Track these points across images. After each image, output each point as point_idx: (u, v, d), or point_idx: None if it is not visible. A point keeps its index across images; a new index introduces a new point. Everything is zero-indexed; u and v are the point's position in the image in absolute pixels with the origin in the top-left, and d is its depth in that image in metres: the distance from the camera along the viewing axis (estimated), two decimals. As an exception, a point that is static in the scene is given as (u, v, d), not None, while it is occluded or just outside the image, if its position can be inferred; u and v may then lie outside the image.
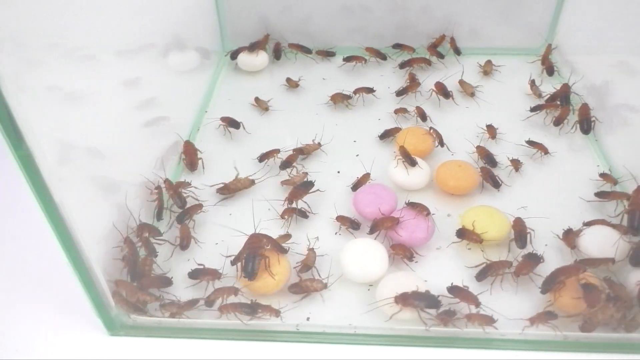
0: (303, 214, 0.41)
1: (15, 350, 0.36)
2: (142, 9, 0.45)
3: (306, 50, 0.61)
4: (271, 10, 0.61)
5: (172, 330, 0.36)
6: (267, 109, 0.53)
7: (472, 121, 0.51)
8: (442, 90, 0.53)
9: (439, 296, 0.34)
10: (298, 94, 0.57)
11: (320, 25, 0.62)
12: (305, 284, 0.36)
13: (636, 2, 0.45)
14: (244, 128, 0.51)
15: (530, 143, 0.47)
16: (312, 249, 0.39)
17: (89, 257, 0.32)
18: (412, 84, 0.54)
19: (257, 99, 0.54)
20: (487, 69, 0.57)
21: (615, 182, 0.44)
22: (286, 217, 0.41)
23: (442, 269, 0.38)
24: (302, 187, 0.42)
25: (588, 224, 0.39)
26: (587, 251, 0.37)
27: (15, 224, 0.44)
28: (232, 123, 0.51)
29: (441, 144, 0.47)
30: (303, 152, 0.47)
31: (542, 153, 0.47)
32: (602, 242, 0.37)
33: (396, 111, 0.52)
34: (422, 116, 0.51)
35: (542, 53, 0.58)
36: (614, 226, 0.38)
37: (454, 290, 0.35)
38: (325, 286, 0.36)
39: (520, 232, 0.39)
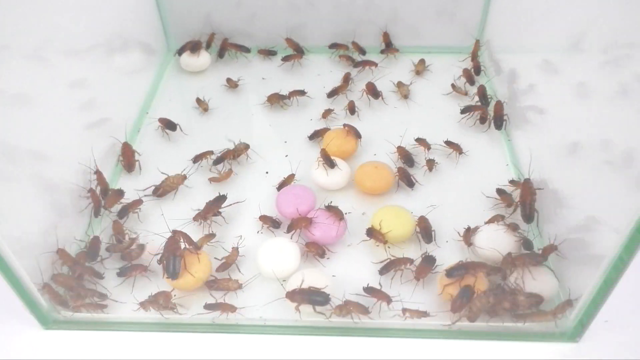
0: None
1: None
2: (84, 8, 0.47)
3: (245, 50, 0.63)
4: (216, 7, 0.62)
5: (100, 324, 0.39)
6: (206, 110, 0.56)
7: (399, 121, 0.55)
8: (372, 91, 0.56)
9: (322, 288, 0.38)
10: (238, 93, 0.59)
11: (266, 22, 0.63)
12: (222, 283, 0.40)
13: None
14: (180, 129, 0.53)
15: (447, 143, 0.51)
16: (236, 247, 0.42)
17: (16, 256, 0.35)
18: (342, 85, 0.57)
19: (197, 100, 0.57)
20: (420, 69, 0.60)
21: (460, 151, 0.49)
22: (199, 220, 0.44)
23: (351, 264, 0.42)
24: (214, 202, 0.45)
25: (488, 222, 0.43)
26: (480, 249, 0.41)
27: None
28: (169, 125, 0.53)
29: (358, 136, 0.50)
30: (233, 154, 0.50)
31: (458, 153, 0.50)
32: (494, 240, 0.41)
33: (324, 115, 0.54)
34: (352, 110, 0.54)
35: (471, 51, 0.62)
36: (507, 224, 0.42)
37: (368, 289, 0.39)
38: (240, 286, 0.40)
39: (424, 229, 0.42)
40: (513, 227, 0.41)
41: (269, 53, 0.63)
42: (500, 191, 0.46)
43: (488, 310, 0.37)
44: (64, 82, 0.45)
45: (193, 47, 0.61)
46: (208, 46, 0.63)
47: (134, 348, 0.38)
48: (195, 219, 0.44)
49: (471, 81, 0.58)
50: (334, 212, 0.42)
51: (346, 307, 0.37)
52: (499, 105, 0.53)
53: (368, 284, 0.39)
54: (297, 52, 0.62)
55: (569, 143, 0.44)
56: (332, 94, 0.57)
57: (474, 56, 0.60)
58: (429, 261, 0.40)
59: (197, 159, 0.50)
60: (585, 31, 0.42)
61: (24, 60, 0.39)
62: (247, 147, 0.50)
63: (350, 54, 0.62)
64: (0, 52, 0.36)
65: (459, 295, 0.37)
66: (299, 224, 0.42)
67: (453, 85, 0.57)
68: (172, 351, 0.38)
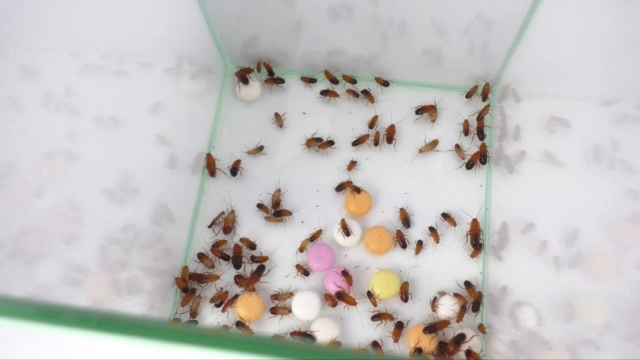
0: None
1: None
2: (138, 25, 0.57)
3: (279, 82, 0.72)
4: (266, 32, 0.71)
5: None
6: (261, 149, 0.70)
7: (406, 173, 0.69)
8: (390, 136, 0.69)
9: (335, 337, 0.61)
10: (283, 130, 0.72)
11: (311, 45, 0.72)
12: (279, 310, 0.63)
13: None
14: (240, 174, 0.70)
15: (443, 215, 0.66)
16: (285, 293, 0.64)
17: None
18: (364, 136, 0.69)
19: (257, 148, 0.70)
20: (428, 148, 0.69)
21: (454, 224, 0.65)
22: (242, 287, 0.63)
23: (355, 311, 0.63)
24: (255, 274, 0.63)
25: (440, 293, 0.63)
26: (441, 315, 0.61)
27: None
28: (232, 171, 0.69)
29: (357, 191, 0.66)
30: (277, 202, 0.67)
31: (453, 225, 0.65)
32: (449, 308, 0.61)
33: (348, 167, 0.68)
34: (389, 139, 0.69)
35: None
36: (456, 296, 0.62)
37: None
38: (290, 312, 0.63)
39: (404, 293, 0.62)
40: (463, 300, 0.61)
41: (309, 81, 0.73)
42: (444, 215, 0.65)
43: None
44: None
45: (242, 78, 0.72)
46: (259, 70, 0.73)
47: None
48: (239, 284, 0.63)
49: (480, 135, 0.69)
50: (347, 278, 0.62)
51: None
52: (484, 146, 0.68)
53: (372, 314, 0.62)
54: (333, 82, 0.72)
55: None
56: (357, 143, 0.70)
57: (480, 116, 0.69)
58: (399, 326, 0.61)
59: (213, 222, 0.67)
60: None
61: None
62: (279, 192, 0.67)
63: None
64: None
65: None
66: (343, 297, 0.62)
67: (457, 147, 0.69)
68: None
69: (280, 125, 0.71)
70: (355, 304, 0.62)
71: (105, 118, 0.53)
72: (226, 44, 0.72)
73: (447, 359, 0.59)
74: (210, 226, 0.66)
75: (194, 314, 0.63)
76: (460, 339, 0.59)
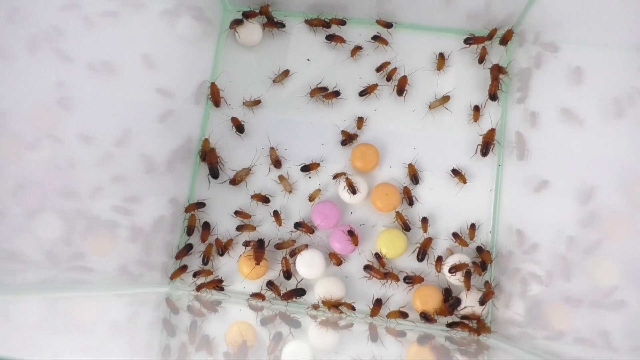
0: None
1: None
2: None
3: (280, 26, 0.67)
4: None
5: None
6: (258, 103, 0.66)
7: (415, 126, 0.65)
8: (402, 87, 0.65)
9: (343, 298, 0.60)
10: (285, 80, 0.67)
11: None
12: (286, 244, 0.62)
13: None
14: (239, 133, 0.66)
15: (454, 172, 0.63)
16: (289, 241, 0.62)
17: None
18: (372, 86, 0.65)
19: (247, 103, 0.66)
20: (440, 65, 0.65)
21: (465, 181, 0.63)
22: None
23: (359, 267, 0.62)
24: (259, 248, 0.61)
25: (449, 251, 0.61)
26: (445, 274, 0.60)
27: None
28: (239, 128, 0.65)
29: (353, 192, 0.62)
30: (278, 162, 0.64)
31: (462, 182, 0.63)
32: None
33: (358, 125, 0.64)
34: (400, 91, 0.65)
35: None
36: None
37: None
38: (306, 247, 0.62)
39: (423, 249, 0.61)
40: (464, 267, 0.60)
41: (321, 23, 0.67)
42: (454, 171, 0.63)
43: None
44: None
45: (239, 22, 0.67)
46: (261, 14, 0.67)
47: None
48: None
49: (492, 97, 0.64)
50: (353, 238, 0.61)
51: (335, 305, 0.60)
52: (491, 132, 0.63)
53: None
54: (341, 24, 0.67)
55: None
56: (364, 93, 0.65)
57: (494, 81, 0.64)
58: (377, 303, 0.60)
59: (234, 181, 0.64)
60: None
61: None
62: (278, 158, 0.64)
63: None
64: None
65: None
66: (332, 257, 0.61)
67: (476, 108, 0.64)
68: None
69: (281, 80, 0.67)
70: (398, 279, 0.60)
71: (97, 64, 0.49)
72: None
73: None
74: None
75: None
76: (455, 304, 0.59)
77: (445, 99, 0.65)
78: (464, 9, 0.64)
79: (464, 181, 0.63)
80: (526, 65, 0.64)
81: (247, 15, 0.67)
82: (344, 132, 0.64)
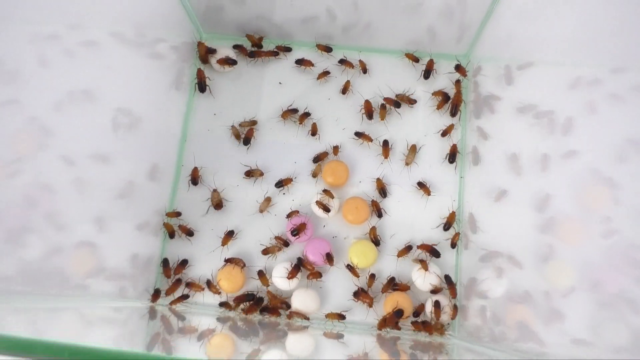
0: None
1: None
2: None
3: (232, 62, 0.70)
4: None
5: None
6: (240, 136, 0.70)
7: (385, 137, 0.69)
8: (369, 110, 0.69)
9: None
10: (259, 101, 0.71)
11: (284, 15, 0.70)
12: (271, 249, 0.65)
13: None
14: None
15: (419, 184, 0.67)
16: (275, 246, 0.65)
17: None
18: (366, 136, 0.68)
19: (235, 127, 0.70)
20: (409, 159, 0.68)
21: (429, 193, 0.67)
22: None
23: (332, 278, 0.65)
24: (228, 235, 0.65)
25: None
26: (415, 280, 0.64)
27: None
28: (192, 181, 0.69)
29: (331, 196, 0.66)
30: (254, 174, 0.68)
31: (427, 195, 0.67)
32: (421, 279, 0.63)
33: (334, 151, 0.68)
34: (369, 115, 0.69)
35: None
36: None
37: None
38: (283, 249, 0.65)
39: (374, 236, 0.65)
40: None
41: (285, 50, 0.72)
42: (420, 184, 0.67)
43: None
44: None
45: (212, 50, 0.71)
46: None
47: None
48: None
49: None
50: (328, 258, 0.64)
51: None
52: (454, 147, 0.68)
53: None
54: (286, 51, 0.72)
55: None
56: (317, 160, 0.68)
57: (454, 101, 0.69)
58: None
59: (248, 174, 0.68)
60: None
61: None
62: (262, 173, 0.68)
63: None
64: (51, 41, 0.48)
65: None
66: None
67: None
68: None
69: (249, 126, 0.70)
70: (371, 305, 0.63)
71: (77, 92, 0.53)
72: (199, 15, 0.71)
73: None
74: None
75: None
76: (399, 314, 0.62)
77: (414, 148, 0.69)
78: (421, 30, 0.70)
79: (429, 193, 0.67)
80: (481, 88, 0.69)
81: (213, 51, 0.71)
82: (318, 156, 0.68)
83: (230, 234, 0.66)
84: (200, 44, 0.71)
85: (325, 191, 0.66)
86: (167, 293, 0.64)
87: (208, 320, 0.61)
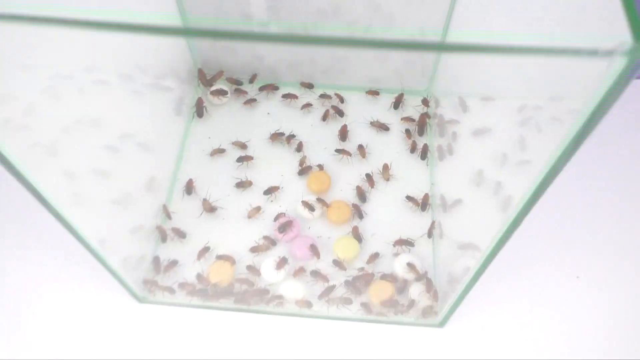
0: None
1: (67, 309, 0.67)
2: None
3: (223, 93, 0.82)
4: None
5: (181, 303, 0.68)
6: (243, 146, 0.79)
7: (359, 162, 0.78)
8: (343, 135, 0.79)
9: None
10: (253, 129, 0.81)
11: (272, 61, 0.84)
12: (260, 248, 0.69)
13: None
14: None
15: (408, 198, 0.74)
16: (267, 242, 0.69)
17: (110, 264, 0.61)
18: (306, 168, 0.77)
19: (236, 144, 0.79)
20: (386, 175, 0.81)
21: (417, 203, 0.73)
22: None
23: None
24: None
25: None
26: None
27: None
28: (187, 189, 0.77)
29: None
30: (244, 185, 0.75)
31: (416, 205, 0.73)
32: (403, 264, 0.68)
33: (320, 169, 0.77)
34: (343, 137, 0.79)
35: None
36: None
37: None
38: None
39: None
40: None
41: (273, 88, 0.84)
42: (409, 197, 0.74)
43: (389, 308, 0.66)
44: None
45: (215, 92, 0.82)
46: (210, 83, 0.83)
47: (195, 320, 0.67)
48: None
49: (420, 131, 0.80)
50: (314, 251, 0.69)
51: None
52: (425, 145, 0.78)
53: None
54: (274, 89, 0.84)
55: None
56: (302, 173, 0.77)
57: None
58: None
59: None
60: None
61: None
62: (251, 183, 0.75)
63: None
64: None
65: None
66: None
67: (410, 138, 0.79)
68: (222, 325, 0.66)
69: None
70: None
71: (85, 120, 0.59)
72: (200, 60, 0.83)
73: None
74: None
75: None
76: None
77: (386, 166, 0.77)
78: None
79: (418, 204, 0.73)
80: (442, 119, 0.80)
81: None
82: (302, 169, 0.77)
83: (205, 250, 0.69)
84: (200, 70, 0.82)
85: (318, 199, 0.73)
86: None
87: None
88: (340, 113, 0.81)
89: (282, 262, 0.67)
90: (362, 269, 0.68)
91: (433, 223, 0.72)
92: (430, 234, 0.71)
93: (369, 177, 0.76)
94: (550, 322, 0.68)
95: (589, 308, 0.69)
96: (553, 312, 0.69)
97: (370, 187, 0.75)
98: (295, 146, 0.79)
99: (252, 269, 0.68)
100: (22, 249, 0.72)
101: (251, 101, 0.82)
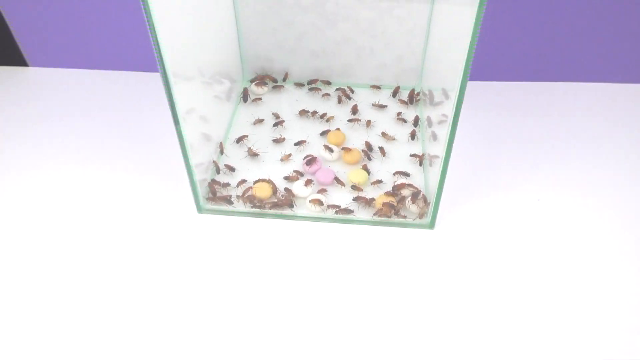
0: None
1: (134, 213, 0.88)
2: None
3: (274, 80, 1.11)
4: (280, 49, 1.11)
5: (230, 212, 0.88)
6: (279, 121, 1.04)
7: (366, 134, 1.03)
8: (353, 110, 1.04)
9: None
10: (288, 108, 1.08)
11: (306, 63, 1.12)
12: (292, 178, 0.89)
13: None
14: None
15: (412, 155, 0.98)
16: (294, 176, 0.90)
17: (192, 164, 0.83)
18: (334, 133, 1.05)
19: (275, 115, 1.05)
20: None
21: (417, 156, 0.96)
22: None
23: (335, 193, 0.90)
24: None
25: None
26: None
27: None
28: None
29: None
30: (278, 141, 0.98)
31: (420, 160, 0.98)
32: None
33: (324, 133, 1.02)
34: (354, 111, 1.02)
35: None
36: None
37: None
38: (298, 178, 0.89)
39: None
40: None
41: (300, 84, 1.11)
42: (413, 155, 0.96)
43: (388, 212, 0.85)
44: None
45: (258, 82, 1.10)
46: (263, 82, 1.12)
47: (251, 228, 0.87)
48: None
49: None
50: (338, 181, 0.91)
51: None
52: (417, 116, 1.03)
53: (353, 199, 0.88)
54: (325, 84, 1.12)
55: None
56: (324, 133, 1.04)
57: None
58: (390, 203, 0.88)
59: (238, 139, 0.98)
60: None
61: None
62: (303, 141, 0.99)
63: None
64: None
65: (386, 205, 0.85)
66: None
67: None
68: (273, 232, 0.86)
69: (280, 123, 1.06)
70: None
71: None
72: (247, 67, 1.12)
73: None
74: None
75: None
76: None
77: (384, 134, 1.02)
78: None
79: (422, 159, 0.96)
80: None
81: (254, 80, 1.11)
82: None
83: (243, 181, 0.91)
84: (245, 89, 1.10)
85: (325, 145, 0.96)
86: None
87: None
88: (349, 97, 1.09)
89: (308, 182, 0.89)
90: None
91: (423, 155, 0.95)
92: (421, 162, 0.94)
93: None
94: (522, 220, 0.87)
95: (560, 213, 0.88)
96: (524, 214, 0.88)
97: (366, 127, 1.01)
98: (318, 119, 1.04)
99: (288, 190, 0.89)
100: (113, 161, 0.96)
101: (280, 87, 1.11)
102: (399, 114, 1.05)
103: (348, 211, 0.86)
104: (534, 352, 0.70)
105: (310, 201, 0.87)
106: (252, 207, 0.88)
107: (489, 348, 0.71)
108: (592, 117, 1.09)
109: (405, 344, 0.71)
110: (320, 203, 0.87)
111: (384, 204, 0.86)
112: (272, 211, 0.88)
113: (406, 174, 0.92)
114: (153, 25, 0.65)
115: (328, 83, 1.12)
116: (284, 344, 0.72)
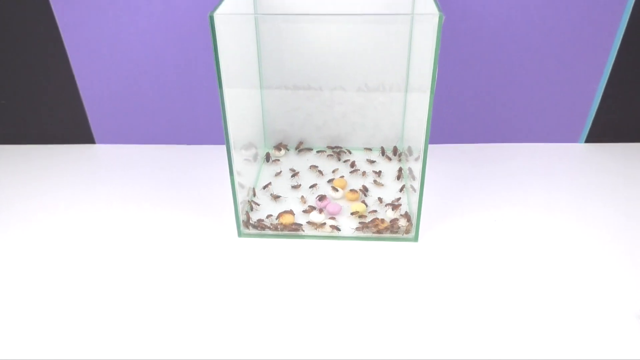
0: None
1: (184, 240, 1.15)
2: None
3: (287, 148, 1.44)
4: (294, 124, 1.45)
5: (275, 235, 1.15)
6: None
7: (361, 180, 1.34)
8: (352, 165, 1.35)
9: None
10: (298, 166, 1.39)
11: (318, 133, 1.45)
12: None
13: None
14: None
15: (399, 170, 1.28)
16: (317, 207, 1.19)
17: (238, 202, 1.12)
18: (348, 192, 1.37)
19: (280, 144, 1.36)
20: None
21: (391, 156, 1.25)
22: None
23: (341, 220, 1.19)
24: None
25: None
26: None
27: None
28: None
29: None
30: (296, 187, 1.28)
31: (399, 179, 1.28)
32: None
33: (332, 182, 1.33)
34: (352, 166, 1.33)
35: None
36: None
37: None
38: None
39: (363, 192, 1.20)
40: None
41: (309, 149, 1.43)
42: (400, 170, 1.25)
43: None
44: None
45: (277, 147, 1.43)
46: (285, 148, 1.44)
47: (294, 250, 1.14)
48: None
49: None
50: (324, 201, 1.20)
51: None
52: (400, 168, 1.33)
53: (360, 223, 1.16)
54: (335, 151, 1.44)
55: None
56: (352, 171, 1.36)
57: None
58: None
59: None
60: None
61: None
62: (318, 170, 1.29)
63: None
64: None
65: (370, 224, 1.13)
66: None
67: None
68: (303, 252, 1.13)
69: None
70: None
71: None
72: (267, 135, 1.45)
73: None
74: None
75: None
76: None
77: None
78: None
79: (399, 176, 1.26)
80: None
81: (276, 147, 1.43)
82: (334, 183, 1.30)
83: (269, 216, 1.20)
84: (267, 152, 1.43)
85: (332, 187, 1.26)
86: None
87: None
88: (339, 158, 1.42)
89: (321, 210, 1.17)
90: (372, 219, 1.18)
91: (400, 169, 1.27)
92: (401, 179, 1.26)
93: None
94: (484, 234, 1.15)
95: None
96: (484, 230, 1.16)
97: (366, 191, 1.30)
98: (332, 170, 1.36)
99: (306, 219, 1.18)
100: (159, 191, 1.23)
101: (302, 149, 1.44)
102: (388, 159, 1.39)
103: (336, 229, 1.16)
104: (516, 353, 0.84)
105: (329, 226, 1.16)
106: (278, 230, 1.16)
107: (474, 350, 0.86)
108: (532, 167, 1.42)
109: (405, 344, 0.89)
110: (336, 228, 1.15)
111: (382, 220, 1.15)
112: (291, 233, 1.16)
113: (394, 204, 1.21)
114: (225, 115, 1.00)
115: (332, 147, 1.45)
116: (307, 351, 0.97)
